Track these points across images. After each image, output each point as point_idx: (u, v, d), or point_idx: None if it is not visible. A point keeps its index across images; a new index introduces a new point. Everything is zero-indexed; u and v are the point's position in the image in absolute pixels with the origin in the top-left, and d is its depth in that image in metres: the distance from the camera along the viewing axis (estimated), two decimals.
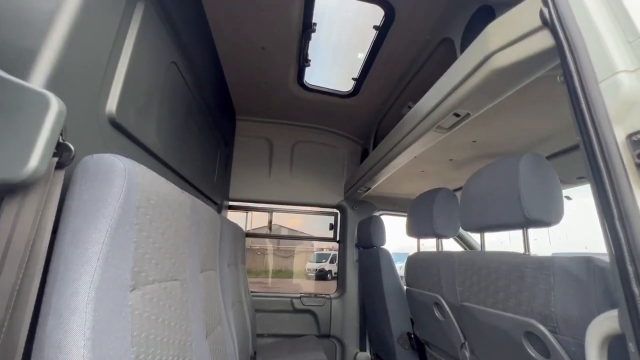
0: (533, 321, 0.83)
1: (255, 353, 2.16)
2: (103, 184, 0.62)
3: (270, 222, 3.00)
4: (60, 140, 0.58)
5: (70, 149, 0.59)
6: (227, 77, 2.29)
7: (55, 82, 0.65)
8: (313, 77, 2.34)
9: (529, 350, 0.86)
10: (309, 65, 2.16)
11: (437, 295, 1.32)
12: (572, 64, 0.72)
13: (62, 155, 0.58)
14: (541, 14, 0.81)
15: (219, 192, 2.43)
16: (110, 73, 0.89)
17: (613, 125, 0.65)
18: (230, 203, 2.88)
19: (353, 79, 2.28)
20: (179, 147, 1.48)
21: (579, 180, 1.86)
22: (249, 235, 2.85)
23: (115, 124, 0.90)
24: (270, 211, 2.99)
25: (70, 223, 0.59)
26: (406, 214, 3.14)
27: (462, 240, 2.92)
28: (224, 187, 2.63)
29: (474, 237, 2.95)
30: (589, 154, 0.67)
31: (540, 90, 1.17)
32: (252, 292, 2.71)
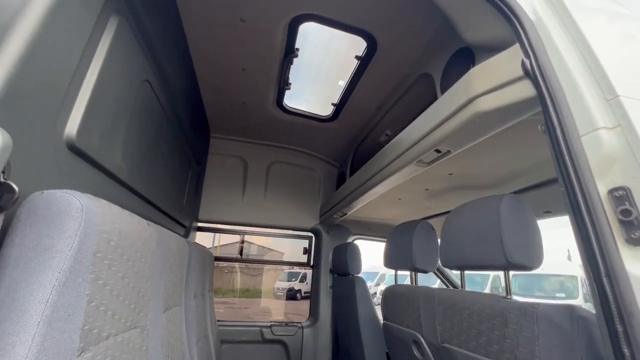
0: None
1: None
2: (53, 229, 0.53)
3: (241, 246, 2.86)
4: (1, 180, 0.49)
5: (13, 190, 0.50)
6: (204, 95, 2.21)
7: (2, 105, 0.56)
8: (293, 99, 2.33)
9: None
10: (289, 89, 2.14)
11: (416, 333, 1.28)
12: (555, 117, 0.74)
13: (1, 198, 0.48)
14: (523, 64, 0.84)
15: (188, 214, 2.29)
16: (73, 92, 0.79)
17: (595, 179, 0.66)
18: (200, 224, 2.72)
19: (333, 104, 2.28)
20: (146, 169, 1.37)
21: (545, 214, 1.95)
22: (218, 259, 2.69)
23: (74, 149, 0.80)
24: (242, 233, 2.87)
25: (5, 278, 0.49)
26: (381, 239, 3.17)
27: (441, 273, 2.95)
28: (194, 208, 2.49)
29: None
30: (573, 207, 0.68)
31: (518, 131, 1.22)
32: (219, 321, 2.53)
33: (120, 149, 1.08)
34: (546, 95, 0.77)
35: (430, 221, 2.68)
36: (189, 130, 2.04)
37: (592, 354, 0.70)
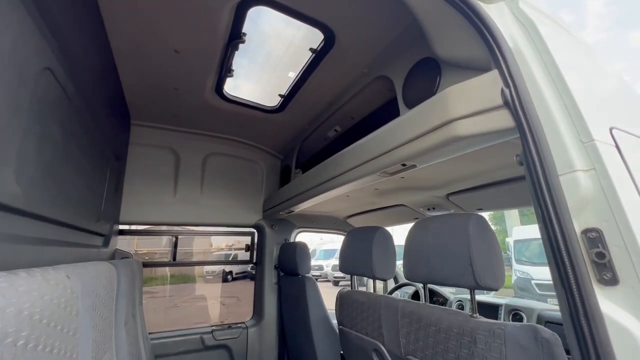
0: None
1: None
2: None
3: (175, 247, 2.55)
4: None
5: None
6: (123, 78, 1.81)
7: None
8: (235, 88, 2.07)
9: None
10: (231, 76, 1.88)
11: (377, 342, 1.30)
12: (535, 153, 0.75)
13: None
14: (503, 93, 0.83)
15: (107, 220, 1.92)
16: None
17: (573, 220, 0.70)
18: (122, 227, 2.33)
19: (280, 95, 2.10)
20: (51, 184, 1.05)
21: (477, 210, 2.16)
22: (148, 265, 2.36)
23: None
24: (175, 234, 2.55)
25: None
26: (326, 231, 3.18)
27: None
28: (114, 210, 2.10)
29: None
30: (552, 245, 0.70)
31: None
32: (151, 334, 2.26)
33: (12, 169, 0.78)
34: (526, 129, 0.78)
35: (376, 213, 2.79)
36: (104, 121, 1.65)
37: None
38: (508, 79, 0.83)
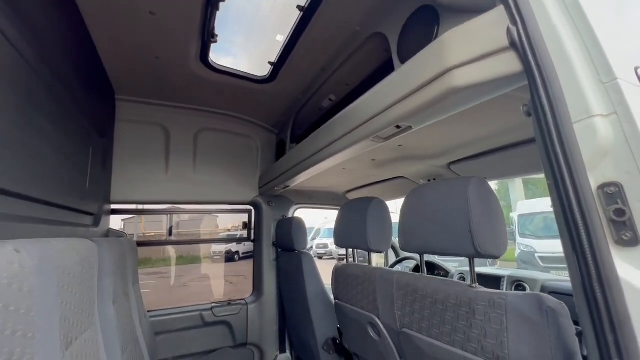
0: None
1: None
2: None
3: (170, 225, 2.51)
4: None
5: None
6: (100, 46, 1.68)
7: None
8: (222, 56, 1.94)
9: None
10: (215, 42, 1.75)
11: (372, 316, 1.25)
12: (545, 98, 0.64)
13: None
14: (509, 32, 0.71)
15: (96, 198, 1.86)
16: None
17: (587, 173, 0.60)
18: (114, 207, 2.27)
19: (270, 63, 1.97)
20: (17, 157, 0.97)
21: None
22: (143, 244, 2.33)
23: None
24: (169, 213, 2.50)
25: None
26: (324, 207, 3.11)
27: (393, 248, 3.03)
28: (104, 189, 2.04)
29: None
30: (563, 203, 0.61)
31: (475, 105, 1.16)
32: (150, 312, 2.26)
33: None
34: (535, 72, 0.67)
35: (376, 187, 2.70)
36: (80, 93, 1.55)
37: (561, 345, 0.70)
38: (515, 15, 0.71)
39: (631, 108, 0.58)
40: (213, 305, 2.46)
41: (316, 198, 2.96)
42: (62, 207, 1.40)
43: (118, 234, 2.21)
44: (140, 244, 2.29)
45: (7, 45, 0.90)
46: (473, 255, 0.88)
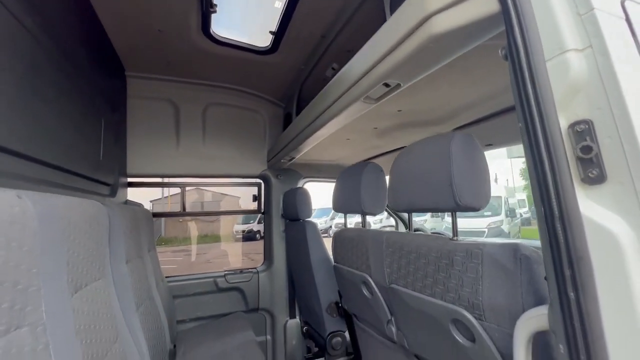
0: (461, 309, 0.82)
1: (175, 346, 1.96)
2: None
3: (183, 198, 2.63)
4: None
5: None
6: (104, 22, 1.73)
7: None
8: (222, 27, 1.94)
9: (455, 335, 0.86)
10: (215, 12, 1.76)
11: (365, 275, 1.28)
12: (519, 37, 0.62)
13: None
14: None
15: (111, 170, 1.97)
16: None
17: (558, 112, 0.58)
18: (130, 180, 2.40)
19: (271, 32, 1.96)
20: (26, 121, 1.05)
21: (487, 146, 1.99)
22: (157, 215, 2.46)
23: None
24: (182, 185, 2.62)
25: None
26: (332, 180, 3.13)
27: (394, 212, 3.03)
28: (118, 162, 2.15)
29: None
30: (531, 144, 0.60)
31: (470, 59, 1.11)
32: (168, 277, 2.42)
33: None
34: (512, 10, 0.64)
35: (381, 159, 2.69)
36: (89, 70, 1.62)
37: (532, 290, 0.70)
38: None
39: (606, 39, 0.55)
40: (226, 272, 2.59)
41: (324, 171, 2.98)
42: (77, 174, 1.50)
43: (135, 205, 2.35)
44: (155, 214, 2.42)
45: (5, 11, 0.95)
46: (454, 209, 0.88)
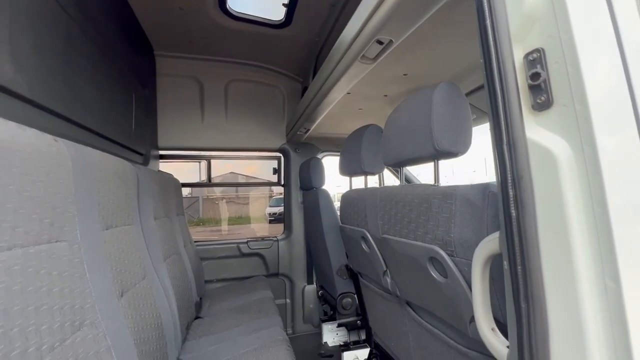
0: (436, 247, 0.87)
1: (201, 299, 2.18)
2: None
3: (208, 170, 2.83)
4: None
5: None
6: (131, 2, 1.89)
7: None
8: (238, 2, 2.03)
9: (432, 273, 0.92)
10: None
11: (363, 230, 1.36)
12: None
13: None
14: None
15: (142, 141, 2.18)
16: None
17: (513, 44, 0.61)
18: (162, 152, 2.63)
19: (283, 4, 2.01)
20: (61, 86, 1.22)
21: None
22: (185, 185, 2.68)
23: None
24: (207, 158, 2.81)
25: None
26: None
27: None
28: (150, 134, 2.36)
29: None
30: (487, 77, 0.63)
31: (460, 12, 1.10)
32: (196, 241, 2.65)
33: (6, 52, 0.93)
34: None
35: None
36: (120, 47, 1.79)
37: (497, 223, 0.74)
38: None
39: None
40: (248, 239, 2.79)
41: (340, 145, 3.03)
42: (111, 140, 1.70)
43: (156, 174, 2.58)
44: (184, 184, 2.64)
45: None
46: (433, 155, 0.92)
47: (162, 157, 2.65)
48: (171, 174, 2.59)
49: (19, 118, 0.94)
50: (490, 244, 0.67)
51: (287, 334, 2.73)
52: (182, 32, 2.25)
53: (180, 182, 2.54)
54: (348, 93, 1.83)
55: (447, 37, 1.31)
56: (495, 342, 0.66)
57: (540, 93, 0.57)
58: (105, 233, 1.07)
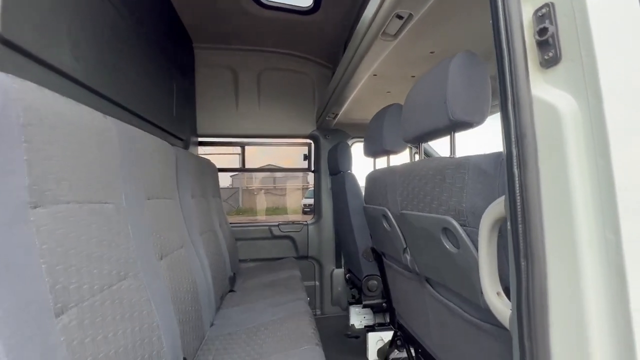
0: (449, 218, 0.87)
1: (234, 275, 2.33)
2: None
3: (243, 156, 2.98)
4: None
5: None
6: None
7: None
8: None
9: (445, 244, 0.92)
10: None
11: (384, 208, 1.37)
12: None
13: None
14: None
15: (183, 128, 2.36)
16: None
17: (522, 2, 0.59)
18: (200, 139, 2.83)
19: None
20: (110, 72, 1.37)
21: None
22: (222, 170, 2.86)
23: (3, 40, 0.81)
24: (242, 145, 2.96)
25: None
26: None
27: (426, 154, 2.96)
28: (189, 121, 2.55)
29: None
30: (495, 36, 0.62)
31: None
32: (231, 223, 2.82)
33: (67, 46, 1.07)
34: None
35: None
36: (161, 39, 1.95)
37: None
38: None
39: None
40: (280, 222, 2.91)
41: None
42: (154, 125, 1.86)
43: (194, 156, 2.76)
44: (220, 169, 2.81)
45: None
46: (448, 127, 0.91)
47: (200, 143, 2.84)
48: (209, 159, 2.77)
49: (77, 99, 1.09)
50: (498, 207, 0.66)
51: (315, 315, 2.83)
52: (217, 24, 2.38)
53: (217, 167, 2.71)
54: (374, 75, 1.83)
55: (475, 11, 1.26)
56: (500, 305, 0.67)
57: (549, 49, 0.56)
58: (148, 202, 1.20)
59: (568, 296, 0.50)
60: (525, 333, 0.54)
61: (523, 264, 0.55)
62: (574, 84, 0.52)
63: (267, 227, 2.87)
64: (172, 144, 2.20)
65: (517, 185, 0.57)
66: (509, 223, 0.60)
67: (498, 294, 0.69)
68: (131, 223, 1.02)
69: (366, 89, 2.03)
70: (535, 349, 0.53)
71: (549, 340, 0.51)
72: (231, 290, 2.16)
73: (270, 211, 15.68)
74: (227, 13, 2.25)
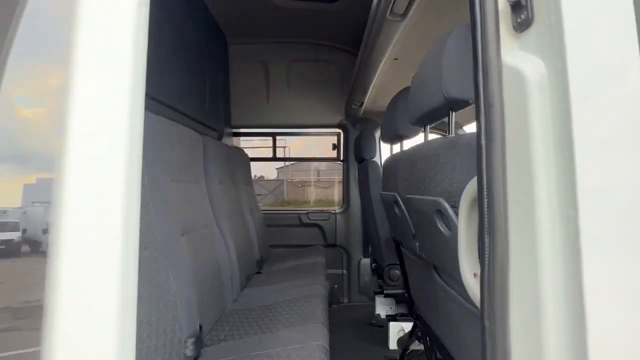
0: (440, 200, 0.84)
1: (262, 257, 2.46)
2: None
3: (274, 145, 3.09)
4: None
5: None
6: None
7: None
8: None
9: (439, 227, 0.89)
10: None
11: (394, 194, 1.35)
12: None
13: None
14: None
15: (216, 119, 2.52)
16: None
17: None
18: (234, 130, 2.99)
19: None
20: (149, 70, 1.52)
21: None
22: (254, 159, 3.00)
23: None
24: (274, 135, 3.07)
25: None
26: None
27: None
28: (223, 113, 2.70)
29: None
30: (470, 3, 0.59)
31: None
32: (263, 210, 2.96)
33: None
34: None
35: None
36: (197, 39, 2.09)
37: None
38: None
39: None
40: (308, 210, 2.98)
41: None
42: (188, 116, 2.02)
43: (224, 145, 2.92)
44: (252, 159, 2.96)
45: None
46: (445, 105, 0.87)
47: (234, 134, 3.01)
48: (241, 149, 2.93)
49: None
50: (475, 184, 0.63)
51: (342, 303, 2.87)
52: (247, 19, 2.49)
53: (250, 156, 2.85)
54: (395, 59, 1.78)
55: None
56: (475, 286, 0.64)
57: (521, 11, 0.52)
58: (171, 184, 1.33)
59: (527, 271, 0.47)
60: (486, 312, 0.52)
61: (487, 239, 0.53)
62: (544, 47, 0.48)
63: (296, 215, 2.95)
64: (204, 134, 2.38)
65: (483, 157, 0.54)
66: (478, 198, 0.57)
67: (475, 275, 0.66)
68: (152, 200, 1.14)
69: (390, 75, 1.98)
70: (494, 328, 0.50)
71: (508, 318, 0.49)
72: (258, 272, 2.29)
73: (315, 203, 16.00)
74: (255, 8, 2.33)
